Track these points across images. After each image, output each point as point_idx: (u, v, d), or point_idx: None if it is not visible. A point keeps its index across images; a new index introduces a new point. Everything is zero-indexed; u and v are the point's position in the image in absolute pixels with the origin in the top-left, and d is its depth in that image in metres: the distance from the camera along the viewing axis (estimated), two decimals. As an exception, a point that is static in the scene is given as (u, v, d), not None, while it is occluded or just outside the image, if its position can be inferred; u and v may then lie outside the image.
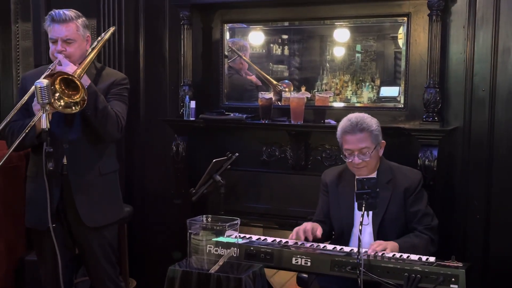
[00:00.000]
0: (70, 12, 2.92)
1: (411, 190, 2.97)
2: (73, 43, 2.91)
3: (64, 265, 2.79)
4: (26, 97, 2.79)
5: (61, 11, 2.92)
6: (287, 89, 3.88)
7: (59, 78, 2.70)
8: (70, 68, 2.80)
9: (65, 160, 2.91)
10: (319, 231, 2.91)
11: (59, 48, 2.89)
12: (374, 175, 2.96)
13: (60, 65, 2.82)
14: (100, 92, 2.90)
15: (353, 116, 2.99)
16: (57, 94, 2.70)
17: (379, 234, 2.91)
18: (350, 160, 2.94)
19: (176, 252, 4.04)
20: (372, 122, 2.97)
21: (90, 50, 3.03)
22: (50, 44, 2.94)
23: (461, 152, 3.41)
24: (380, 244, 2.73)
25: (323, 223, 3.09)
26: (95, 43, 3.11)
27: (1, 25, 4.52)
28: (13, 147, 2.65)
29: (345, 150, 2.96)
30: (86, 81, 2.82)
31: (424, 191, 3.04)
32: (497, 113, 3.32)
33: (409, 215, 2.95)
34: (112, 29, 3.28)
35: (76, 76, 2.72)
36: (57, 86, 2.70)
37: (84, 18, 2.99)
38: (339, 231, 3.05)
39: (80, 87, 2.69)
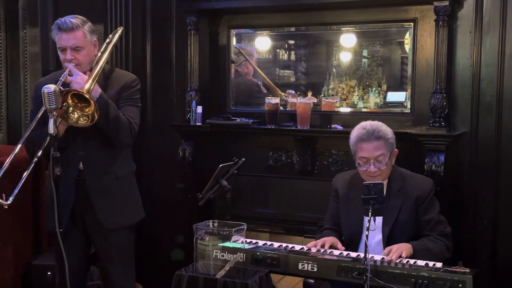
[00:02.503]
0: (75, 20, 2.91)
1: (423, 199, 2.93)
2: (81, 50, 2.90)
3: (77, 266, 2.90)
4: (42, 110, 2.76)
5: (67, 19, 2.90)
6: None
7: (70, 94, 2.71)
8: (80, 79, 2.79)
9: (81, 166, 2.94)
10: (340, 246, 2.89)
11: (68, 57, 2.88)
12: (385, 182, 2.94)
13: (71, 75, 2.82)
14: (111, 98, 2.90)
15: (367, 124, 2.95)
16: (70, 109, 2.73)
17: (389, 242, 2.88)
18: (365, 169, 2.90)
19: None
20: (387, 130, 2.95)
21: (99, 54, 3.01)
22: (59, 53, 2.94)
23: (468, 157, 3.39)
24: (395, 251, 2.70)
25: (333, 230, 3.07)
26: (104, 45, 3.09)
27: (9, 30, 4.55)
28: (37, 156, 2.73)
29: (360, 158, 2.91)
30: (96, 91, 2.82)
31: (436, 199, 3.00)
32: (505, 118, 3.31)
33: (421, 224, 2.92)
34: (120, 30, 3.23)
35: (86, 90, 2.72)
36: (69, 101, 2.72)
37: (90, 23, 2.98)
38: (348, 238, 3.03)
39: (91, 101, 2.70)
